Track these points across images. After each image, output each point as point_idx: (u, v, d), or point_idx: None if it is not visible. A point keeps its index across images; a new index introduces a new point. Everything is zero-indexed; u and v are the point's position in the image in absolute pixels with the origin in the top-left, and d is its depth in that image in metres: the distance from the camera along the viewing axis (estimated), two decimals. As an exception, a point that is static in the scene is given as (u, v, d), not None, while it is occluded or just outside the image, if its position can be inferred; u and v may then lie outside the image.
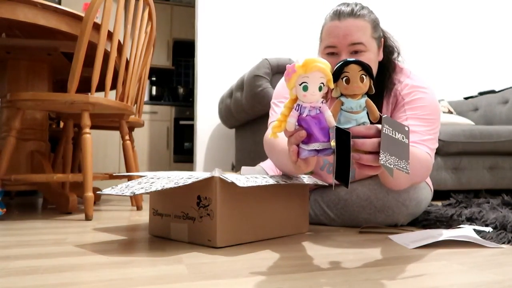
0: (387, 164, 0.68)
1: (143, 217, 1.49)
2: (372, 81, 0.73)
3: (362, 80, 0.71)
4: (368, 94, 0.74)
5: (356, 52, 1.05)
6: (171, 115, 4.11)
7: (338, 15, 1.05)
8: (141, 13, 1.71)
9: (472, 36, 3.44)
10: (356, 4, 1.07)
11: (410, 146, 1.01)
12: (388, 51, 1.17)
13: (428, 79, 3.19)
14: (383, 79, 1.14)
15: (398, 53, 1.18)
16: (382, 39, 1.14)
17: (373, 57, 1.07)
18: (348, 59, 0.72)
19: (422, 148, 1.05)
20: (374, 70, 1.10)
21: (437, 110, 1.12)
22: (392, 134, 0.71)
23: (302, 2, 3.01)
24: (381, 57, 1.13)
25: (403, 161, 0.70)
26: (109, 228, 1.19)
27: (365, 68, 0.71)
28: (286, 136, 0.76)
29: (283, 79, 1.25)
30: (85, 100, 1.45)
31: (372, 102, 0.74)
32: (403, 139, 0.72)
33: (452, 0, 3.40)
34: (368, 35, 1.05)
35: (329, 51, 1.07)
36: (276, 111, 1.23)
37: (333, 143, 0.71)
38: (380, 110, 1.15)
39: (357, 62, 0.71)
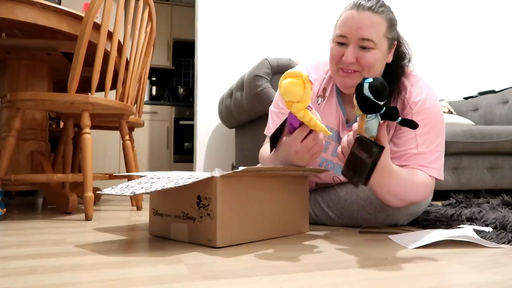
0: (344, 175, 0.89)
1: (143, 217, 1.49)
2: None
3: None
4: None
5: (363, 48, 1.04)
6: (171, 115, 4.11)
7: (357, 6, 1.05)
8: (141, 13, 1.71)
9: (472, 36, 3.44)
10: (378, 1, 1.07)
11: (409, 169, 1.04)
12: (399, 56, 1.15)
13: (429, 79, 3.19)
14: (391, 83, 1.13)
15: (409, 60, 1.17)
16: (395, 41, 1.13)
17: (380, 56, 1.06)
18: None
19: (426, 172, 1.06)
20: (380, 69, 1.09)
21: (442, 117, 1.12)
22: (359, 153, 0.83)
23: (302, 2, 3.01)
24: (390, 59, 1.12)
25: (357, 178, 0.83)
26: (109, 228, 1.19)
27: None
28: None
29: None
30: (85, 100, 1.45)
31: (363, 122, 0.82)
32: (367, 159, 0.81)
33: (452, 1, 3.40)
34: (381, 33, 1.05)
35: (339, 41, 1.07)
36: (275, 119, 1.24)
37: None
38: None
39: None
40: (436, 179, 1.09)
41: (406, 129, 1.10)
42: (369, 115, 0.82)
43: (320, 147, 0.97)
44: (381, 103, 0.79)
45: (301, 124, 0.94)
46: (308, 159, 0.98)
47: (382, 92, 0.77)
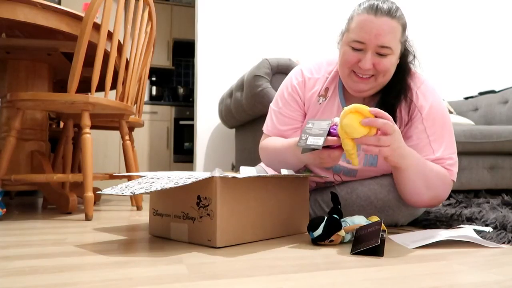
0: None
1: (143, 217, 1.49)
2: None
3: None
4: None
5: (381, 55, 1.03)
6: (171, 115, 4.11)
7: (375, 10, 1.01)
8: (141, 13, 1.71)
9: (472, 36, 3.44)
10: (392, 3, 1.04)
11: (433, 165, 1.05)
12: (404, 54, 1.14)
13: (429, 79, 3.19)
14: (397, 81, 1.12)
15: (414, 56, 1.16)
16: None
17: (394, 61, 1.06)
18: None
19: (453, 170, 1.08)
20: (393, 71, 1.09)
21: (449, 117, 1.13)
22: (368, 244, 0.81)
23: (302, 2, 3.01)
24: (398, 59, 1.12)
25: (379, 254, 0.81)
26: (109, 228, 1.19)
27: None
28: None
29: (284, 83, 1.26)
30: (85, 100, 1.45)
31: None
32: (380, 237, 0.81)
33: (452, 1, 3.40)
34: (397, 38, 1.04)
35: (356, 46, 1.04)
36: (273, 118, 1.24)
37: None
38: (394, 113, 1.12)
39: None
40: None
41: (418, 136, 1.09)
42: (348, 220, 0.94)
43: (334, 163, 0.98)
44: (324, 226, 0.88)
45: (338, 147, 0.94)
46: (319, 164, 1.00)
47: (315, 226, 0.89)
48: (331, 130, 0.93)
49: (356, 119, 0.86)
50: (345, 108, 0.88)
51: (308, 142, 0.91)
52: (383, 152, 0.90)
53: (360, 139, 0.88)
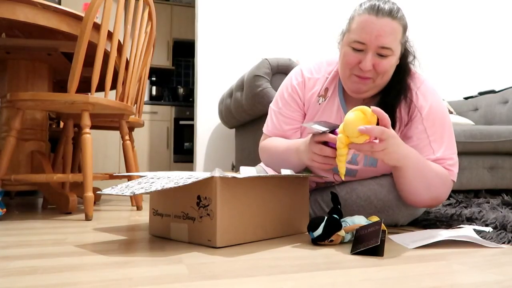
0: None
1: (143, 217, 1.49)
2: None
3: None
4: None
5: (381, 56, 1.03)
6: (171, 115, 4.11)
7: (376, 10, 1.01)
8: (141, 13, 1.71)
9: (472, 36, 3.44)
10: (393, 3, 1.04)
11: (434, 165, 1.05)
12: (404, 54, 1.13)
13: (429, 79, 3.19)
14: (397, 81, 1.12)
15: (414, 57, 1.15)
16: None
17: (394, 62, 1.06)
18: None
19: (454, 170, 1.08)
20: (392, 72, 1.09)
21: (449, 117, 1.12)
22: (368, 244, 0.81)
23: (302, 2, 3.01)
24: (398, 61, 1.11)
25: (379, 254, 0.81)
26: (109, 228, 1.19)
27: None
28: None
29: (284, 84, 1.26)
30: (85, 100, 1.45)
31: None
32: (381, 237, 0.82)
33: (452, 1, 3.40)
34: (398, 40, 1.04)
35: (356, 47, 1.04)
36: (273, 118, 1.24)
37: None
38: (394, 113, 1.11)
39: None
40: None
41: (418, 137, 1.09)
42: (348, 220, 0.95)
43: (324, 161, 0.98)
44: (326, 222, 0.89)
45: (333, 147, 0.95)
46: (310, 160, 1.00)
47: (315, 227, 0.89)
48: (335, 131, 0.95)
49: (358, 118, 0.87)
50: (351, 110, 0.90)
51: (313, 126, 0.95)
52: (376, 155, 0.91)
53: (354, 145, 0.89)
